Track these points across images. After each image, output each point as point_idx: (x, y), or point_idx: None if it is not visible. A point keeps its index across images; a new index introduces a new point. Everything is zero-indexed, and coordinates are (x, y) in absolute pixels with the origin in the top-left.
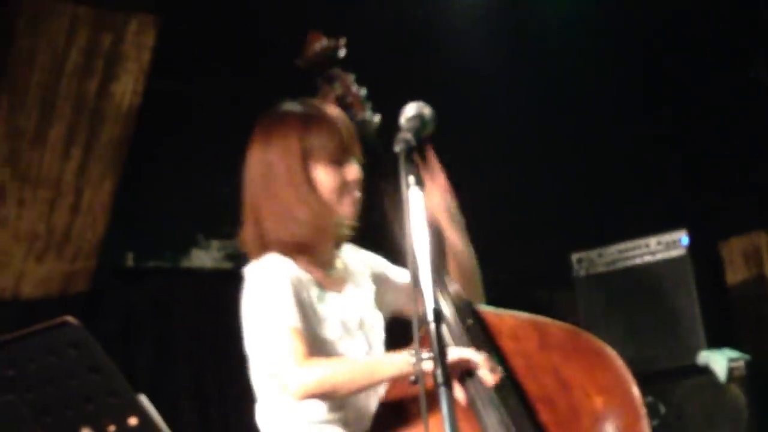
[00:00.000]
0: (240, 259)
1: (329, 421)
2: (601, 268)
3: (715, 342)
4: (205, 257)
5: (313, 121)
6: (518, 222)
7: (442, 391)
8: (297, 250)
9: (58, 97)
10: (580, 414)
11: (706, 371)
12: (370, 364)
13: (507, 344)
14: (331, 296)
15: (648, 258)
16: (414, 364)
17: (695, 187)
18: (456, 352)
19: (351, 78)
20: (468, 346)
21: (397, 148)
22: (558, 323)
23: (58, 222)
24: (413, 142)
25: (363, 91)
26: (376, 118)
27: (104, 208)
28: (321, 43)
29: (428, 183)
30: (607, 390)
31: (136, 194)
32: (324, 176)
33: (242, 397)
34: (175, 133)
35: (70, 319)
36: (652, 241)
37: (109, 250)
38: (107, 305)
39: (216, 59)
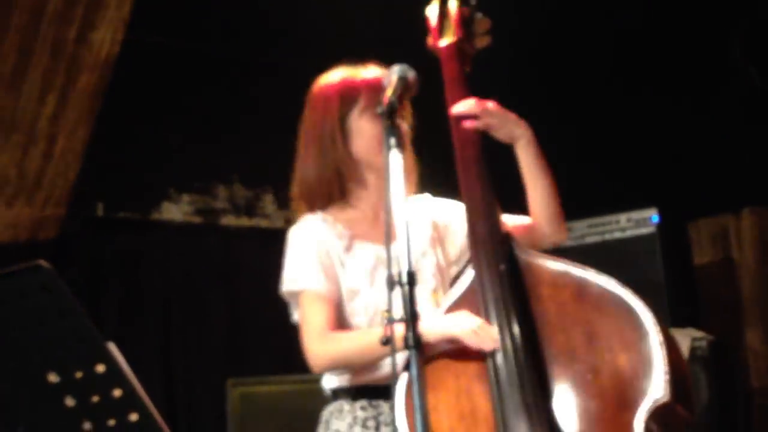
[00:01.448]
0: (209, 213)
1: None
2: (570, 242)
3: (680, 321)
4: (175, 210)
5: (354, 73)
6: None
7: (412, 353)
8: (326, 203)
9: (36, 42)
10: (600, 371)
11: None
12: (371, 335)
13: (544, 291)
14: (362, 246)
15: (617, 234)
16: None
17: (667, 166)
18: (440, 327)
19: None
20: (495, 291)
21: (379, 110)
22: (600, 275)
23: (30, 168)
24: (396, 104)
25: (462, 11)
26: (483, 41)
27: (77, 157)
28: None
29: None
30: (633, 349)
31: (109, 144)
32: (364, 126)
33: (206, 350)
34: (151, 85)
35: (42, 262)
36: (623, 218)
37: (79, 199)
38: (75, 254)
39: (196, 14)
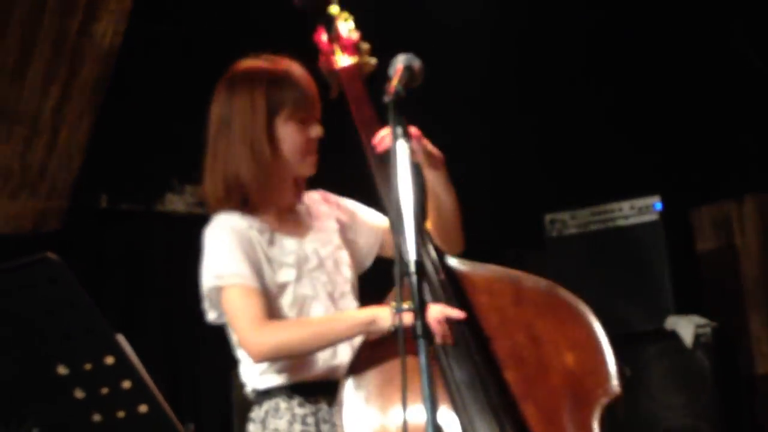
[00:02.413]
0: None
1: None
2: (573, 230)
3: (684, 308)
4: (178, 202)
5: (282, 78)
6: (492, 181)
7: (421, 343)
8: (245, 205)
9: (38, 34)
10: (549, 371)
11: (673, 336)
12: (325, 324)
13: (481, 299)
14: (284, 240)
15: (621, 222)
16: (394, 316)
17: (669, 153)
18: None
19: (346, 19)
20: (439, 301)
21: (387, 99)
22: (534, 278)
23: (34, 159)
24: (402, 94)
25: (355, 35)
26: (372, 61)
27: (80, 148)
28: None
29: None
30: (579, 346)
31: (112, 136)
32: (289, 134)
33: (210, 342)
34: (154, 76)
35: (50, 254)
36: (626, 205)
37: (83, 191)
38: (79, 246)
39: (199, 4)
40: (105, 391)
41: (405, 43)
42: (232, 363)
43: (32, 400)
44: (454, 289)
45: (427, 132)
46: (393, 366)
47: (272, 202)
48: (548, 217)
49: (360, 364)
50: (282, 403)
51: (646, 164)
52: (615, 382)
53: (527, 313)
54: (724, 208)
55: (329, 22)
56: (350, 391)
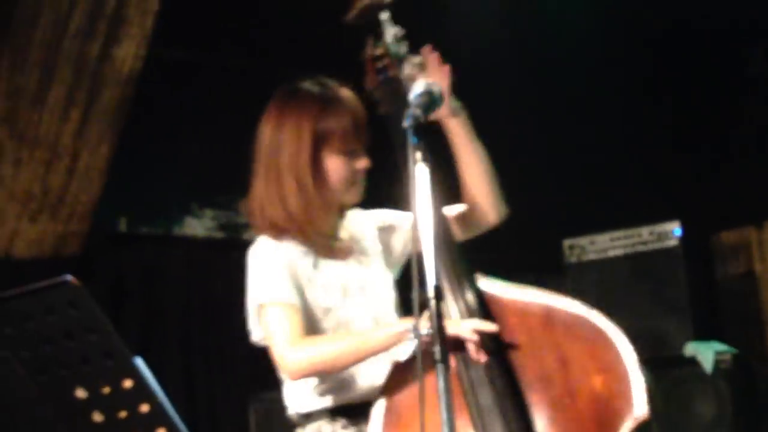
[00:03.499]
0: (232, 228)
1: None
2: (592, 256)
3: (703, 334)
4: (197, 225)
5: (330, 106)
6: (511, 206)
7: (440, 368)
8: (289, 232)
9: (59, 58)
10: (576, 394)
11: (692, 363)
12: (359, 339)
13: (511, 320)
14: (328, 264)
15: (640, 248)
16: (410, 338)
17: (689, 179)
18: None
19: (394, 33)
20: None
21: (406, 123)
22: (565, 300)
23: (54, 183)
24: (422, 119)
25: (404, 49)
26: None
27: (100, 172)
28: None
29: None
30: (608, 370)
31: (132, 160)
32: (335, 165)
33: (228, 366)
34: (174, 100)
35: (70, 278)
36: (645, 231)
37: (102, 214)
38: (98, 269)
39: (219, 28)
40: (123, 414)
41: None
42: (249, 389)
43: (51, 423)
44: (483, 309)
45: (445, 157)
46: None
47: (316, 228)
48: (567, 242)
49: (392, 386)
50: (325, 426)
51: (665, 190)
52: (642, 406)
53: (556, 335)
54: (744, 234)
55: (378, 36)
56: (380, 413)
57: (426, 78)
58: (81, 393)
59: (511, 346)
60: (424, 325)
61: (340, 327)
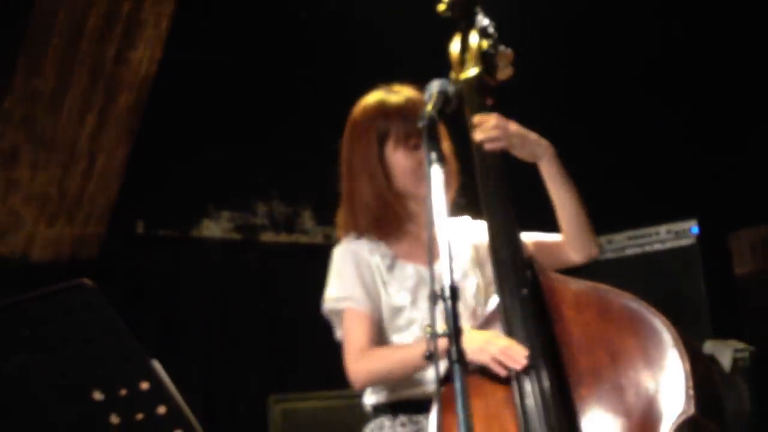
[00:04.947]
0: (248, 229)
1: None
2: (609, 254)
3: (721, 332)
4: (214, 227)
5: (390, 107)
6: (528, 207)
7: (456, 368)
8: (370, 230)
9: (75, 61)
10: (626, 389)
11: (710, 361)
12: (407, 352)
13: (568, 313)
14: (405, 265)
15: (657, 246)
16: (429, 341)
17: (706, 177)
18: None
19: (485, 28)
20: (517, 317)
21: (420, 123)
22: (622, 294)
23: (71, 186)
24: (436, 119)
25: (486, 43)
26: (503, 72)
27: (116, 175)
28: None
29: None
30: (658, 366)
31: (148, 162)
32: (398, 159)
33: (247, 367)
34: (189, 102)
35: (86, 281)
36: (662, 229)
37: (119, 217)
38: (116, 272)
39: (233, 30)
40: (140, 416)
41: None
42: (269, 389)
43: (68, 425)
44: (538, 304)
45: (462, 158)
46: (479, 395)
47: (395, 227)
48: None
49: (448, 391)
50: (386, 421)
51: (683, 187)
52: (689, 403)
53: (610, 329)
54: (763, 232)
55: (467, 29)
56: (435, 420)
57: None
58: (98, 395)
59: (564, 339)
60: (440, 326)
61: (411, 327)
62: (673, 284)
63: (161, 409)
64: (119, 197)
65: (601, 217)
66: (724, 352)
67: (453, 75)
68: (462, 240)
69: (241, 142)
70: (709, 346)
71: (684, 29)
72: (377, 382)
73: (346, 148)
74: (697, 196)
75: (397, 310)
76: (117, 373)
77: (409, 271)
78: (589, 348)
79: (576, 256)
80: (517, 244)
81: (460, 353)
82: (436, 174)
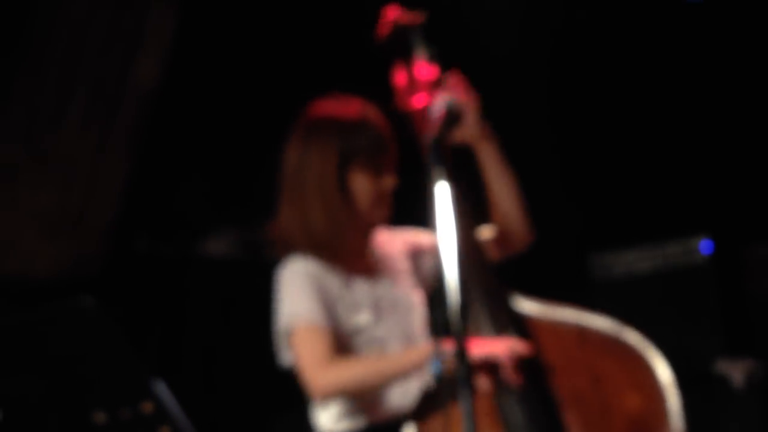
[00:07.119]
0: (253, 246)
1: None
2: (619, 272)
3: (735, 350)
4: (219, 244)
5: (354, 126)
6: (535, 221)
7: (463, 390)
8: (316, 252)
9: (76, 77)
10: (611, 413)
11: (724, 379)
12: (385, 362)
13: (545, 340)
14: (358, 283)
15: (669, 262)
16: (433, 361)
17: (719, 191)
18: (484, 348)
19: (425, 56)
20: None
21: (428, 140)
22: (600, 319)
23: (72, 203)
24: (444, 136)
25: (435, 72)
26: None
27: (119, 191)
28: (400, 16)
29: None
30: (642, 388)
31: (151, 179)
32: (361, 185)
33: (251, 387)
34: (192, 118)
35: (88, 298)
36: (674, 245)
37: (121, 234)
38: (118, 289)
39: (237, 45)
40: None
41: None
42: (273, 409)
43: None
44: (518, 329)
45: (464, 169)
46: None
47: (345, 248)
48: (593, 258)
49: (422, 409)
50: None
51: (695, 202)
52: (678, 424)
53: (590, 355)
54: None
55: (409, 58)
56: None
57: (444, 95)
58: (100, 416)
59: (546, 366)
60: (448, 346)
61: (372, 345)
62: (686, 301)
63: (164, 430)
64: (122, 214)
65: (610, 234)
66: (738, 370)
67: (399, 102)
68: (399, 253)
69: (246, 159)
70: (722, 364)
71: (695, 43)
72: (346, 393)
73: (295, 157)
74: (709, 211)
75: (358, 330)
76: (119, 394)
77: (364, 288)
78: (570, 374)
79: (525, 240)
80: (490, 273)
81: (467, 374)
82: (444, 191)
